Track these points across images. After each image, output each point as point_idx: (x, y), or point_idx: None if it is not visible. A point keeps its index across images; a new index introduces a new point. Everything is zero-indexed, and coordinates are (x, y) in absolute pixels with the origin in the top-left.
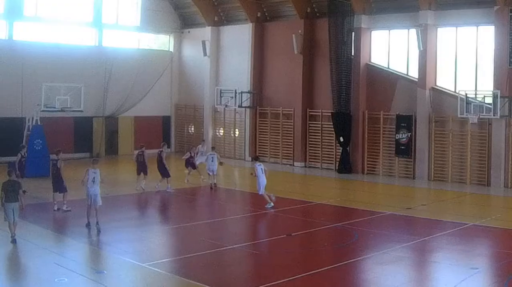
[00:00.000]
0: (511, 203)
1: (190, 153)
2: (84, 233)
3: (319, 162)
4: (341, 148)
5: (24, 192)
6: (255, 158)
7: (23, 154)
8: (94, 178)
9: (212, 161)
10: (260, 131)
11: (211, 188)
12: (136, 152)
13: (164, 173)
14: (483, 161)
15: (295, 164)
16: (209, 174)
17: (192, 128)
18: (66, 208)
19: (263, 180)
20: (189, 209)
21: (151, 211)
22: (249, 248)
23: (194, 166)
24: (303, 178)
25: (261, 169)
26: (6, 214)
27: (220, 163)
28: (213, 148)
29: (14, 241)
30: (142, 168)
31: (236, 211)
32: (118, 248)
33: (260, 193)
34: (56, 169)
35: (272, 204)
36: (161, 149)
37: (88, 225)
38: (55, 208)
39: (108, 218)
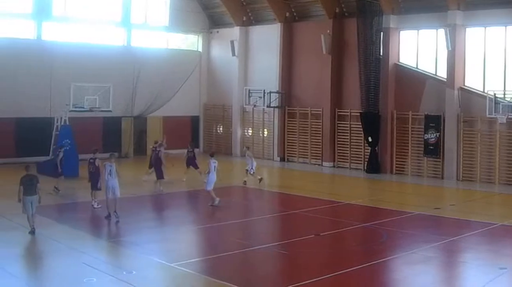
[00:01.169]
0: None
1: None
2: (113, 233)
3: (347, 162)
4: (369, 148)
5: (57, 189)
6: (211, 154)
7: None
8: (110, 171)
9: (251, 160)
10: (289, 131)
11: (259, 180)
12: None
13: (159, 173)
14: (511, 160)
15: (324, 164)
16: (248, 171)
17: (221, 128)
18: (97, 205)
19: (213, 176)
20: (217, 209)
21: (179, 211)
22: (277, 248)
23: (196, 166)
24: (332, 178)
25: (214, 165)
26: (25, 207)
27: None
28: (247, 148)
29: (32, 232)
30: (154, 164)
31: (264, 211)
32: (147, 248)
33: (207, 189)
34: (94, 167)
35: (217, 200)
36: (155, 146)
37: (108, 217)
38: (95, 205)
39: (136, 218)
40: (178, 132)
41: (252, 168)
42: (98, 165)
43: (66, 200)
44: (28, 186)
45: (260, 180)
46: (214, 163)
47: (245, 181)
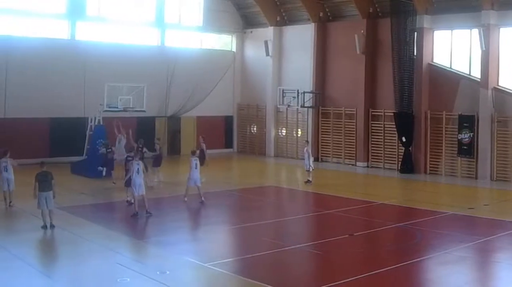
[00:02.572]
0: None
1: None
2: (146, 233)
3: (381, 162)
4: (403, 148)
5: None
6: (192, 152)
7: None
8: (138, 169)
9: (305, 157)
10: (323, 132)
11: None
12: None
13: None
14: None
15: (358, 164)
16: (307, 170)
17: (255, 128)
18: (131, 200)
19: (194, 173)
20: (250, 209)
21: (212, 211)
22: (311, 248)
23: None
24: (366, 178)
25: (195, 163)
26: (39, 202)
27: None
28: (306, 142)
29: (45, 227)
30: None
31: (298, 211)
32: (181, 248)
33: (190, 185)
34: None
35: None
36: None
37: (135, 215)
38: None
39: (169, 218)
40: (211, 133)
41: (310, 165)
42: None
43: (100, 200)
44: (43, 182)
45: (307, 181)
46: (195, 160)
47: (308, 180)
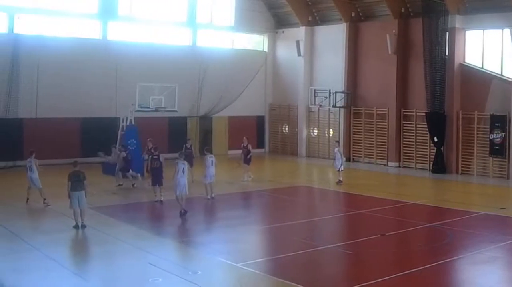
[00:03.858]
0: None
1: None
2: (178, 233)
3: (413, 162)
4: (435, 148)
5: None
6: (207, 150)
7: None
8: (183, 168)
9: (336, 158)
10: (354, 132)
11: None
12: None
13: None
14: None
15: (389, 164)
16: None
17: (286, 128)
18: (162, 199)
19: (211, 171)
20: (282, 209)
21: (244, 211)
22: (343, 248)
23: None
24: (397, 178)
25: (212, 161)
26: (72, 202)
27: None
28: (337, 142)
29: (77, 227)
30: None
31: (329, 211)
32: (212, 248)
33: (206, 183)
34: (159, 163)
35: (209, 196)
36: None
37: (184, 214)
38: (156, 199)
39: (201, 218)
40: (243, 133)
41: (340, 165)
42: (162, 161)
43: (131, 200)
44: (75, 182)
45: (338, 182)
46: (211, 158)
47: (339, 180)
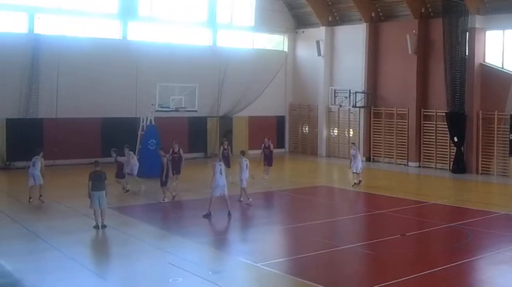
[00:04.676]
0: None
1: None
2: (198, 233)
3: (433, 162)
4: (455, 148)
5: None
6: (242, 153)
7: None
8: (220, 170)
9: (355, 159)
10: (374, 132)
11: (354, 184)
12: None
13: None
14: None
15: (410, 164)
16: (353, 172)
17: (307, 128)
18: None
19: (246, 174)
20: (302, 209)
21: (264, 211)
22: (363, 248)
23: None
24: (417, 178)
25: (246, 164)
26: (92, 202)
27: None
28: (353, 144)
29: (97, 227)
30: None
31: (350, 211)
32: (232, 248)
33: (242, 186)
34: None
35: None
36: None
37: (208, 216)
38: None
39: (221, 218)
40: (263, 133)
41: (357, 167)
42: (165, 162)
43: (151, 200)
44: (96, 182)
45: (355, 184)
46: (245, 161)
47: (355, 183)
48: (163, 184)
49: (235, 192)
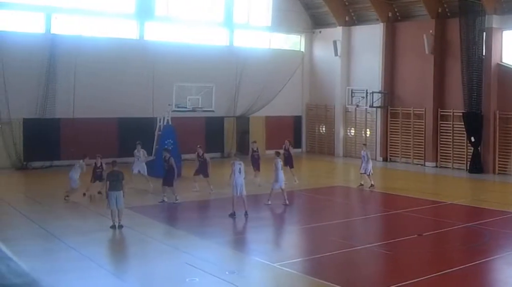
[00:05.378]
0: None
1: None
2: (214, 233)
3: (450, 162)
4: (472, 148)
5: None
6: (277, 153)
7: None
8: (239, 169)
9: (364, 160)
10: (391, 132)
11: (359, 185)
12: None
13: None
14: None
15: (427, 164)
16: (361, 173)
17: (323, 128)
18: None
19: (281, 175)
20: (319, 209)
21: (281, 211)
22: (379, 248)
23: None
24: (434, 178)
25: (281, 164)
26: (109, 202)
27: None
28: (364, 145)
29: (114, 227)
30: (255, 165)
31: (366, 211)
32: (249, 248)
33: (282, 187)
34: (168, 165)
35: (269, 202)
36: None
37: (233, 215)
38: (162, 200)
39: (238, 218)
40: (280, 133)
41: (366, 169)
42: (172, 163)
43: (168, 200)
44: (114, 182)
45: (370, 186)
46: (280, 162)
47: (361, 184)
48: (171, 184)
49: (256, 192)
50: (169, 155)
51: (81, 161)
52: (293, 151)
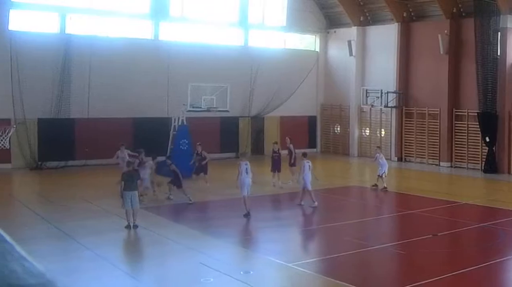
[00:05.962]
0: None
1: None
2: (229, 233)
3: (465, 162)
4: (487, 148)
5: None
6: (304, 154)
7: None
8: (246, 169)
9: (377, 159)
10: (406, 132)
11: (383, 189)
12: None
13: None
14: None
15: (441, 164)
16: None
17: (338, 128)
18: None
19: (308, 176)
20: (334, 209)
21: (296, 211)
22: (394, 248)
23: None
24: (449, 177)
25: (309, 165)
26: (124, 202)
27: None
28: (379, 148)
29: (128, 227)
30: (276, 166)
31: (381, 211)
32: (264, 248)
33: (309, 189)
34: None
35: (302, 203)
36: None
37: (247, 215)
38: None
39: (253, 218)
40: (295, 133)
41: (381, 170)
42: (174, 169)
43: (183, 200)
44: (129, 182)
45: (379, 188)
46: (307, 163)
47: (375, 185)
48: (180, 186)
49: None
50: (170, 162)
51: (150, 161)
52: (293, 148)
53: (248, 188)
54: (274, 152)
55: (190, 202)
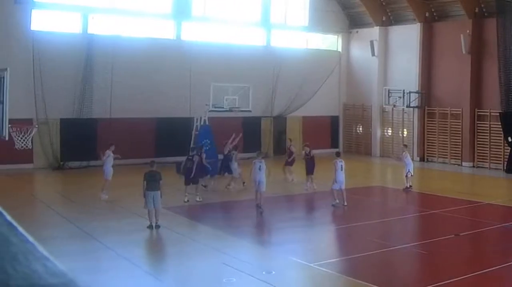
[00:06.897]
0: None
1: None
2: (251, 233)
3: (487, 162)
4: (509, 148)
5: (205, 186)
6: (337, 154)
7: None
8: (260, 166)
9: (402, 159)
10: (428, 132)
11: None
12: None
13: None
14: None
15: (463, 164)
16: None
17: (360, 128)
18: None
19: (340, 176)
20: (355, 209)
21: (318, 211)
22: (416, 248)
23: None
24: (471, 178)
25: (341, 165)
26: (147, 202)
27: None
28: (405, 146)
29: (150, 227)
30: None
31: (403, 211)
32: (286, 248)
33: (342, 188)
34: (192, 163)
35: (337, 200)
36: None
37: (259, 208)
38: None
39: (276, 218)
40: (317, 133)
41: (409, 170)
42: (196, 161)
43: (205, 200)
44: (151, 182)
45: (406, 188)
46: (340, 162)
47: (410, 185)
48: (197, 181)
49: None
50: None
51: (234, 151)
52: (294, 149)
53: (262, 185)
54: (306, 154)
55: (199, 200)
